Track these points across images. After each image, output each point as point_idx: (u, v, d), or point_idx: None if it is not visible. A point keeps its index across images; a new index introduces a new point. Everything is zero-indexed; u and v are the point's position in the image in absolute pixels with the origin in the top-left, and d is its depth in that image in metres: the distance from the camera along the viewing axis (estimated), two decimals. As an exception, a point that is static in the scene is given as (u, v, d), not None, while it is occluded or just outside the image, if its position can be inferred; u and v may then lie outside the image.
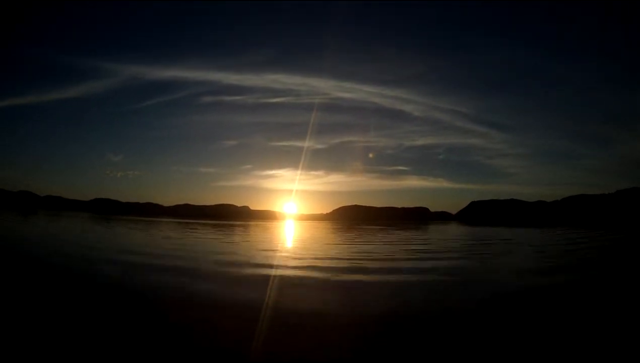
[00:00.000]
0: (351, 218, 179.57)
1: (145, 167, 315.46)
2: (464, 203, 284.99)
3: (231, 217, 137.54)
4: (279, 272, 9.14)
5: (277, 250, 15.91)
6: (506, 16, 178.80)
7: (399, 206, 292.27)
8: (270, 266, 10.15)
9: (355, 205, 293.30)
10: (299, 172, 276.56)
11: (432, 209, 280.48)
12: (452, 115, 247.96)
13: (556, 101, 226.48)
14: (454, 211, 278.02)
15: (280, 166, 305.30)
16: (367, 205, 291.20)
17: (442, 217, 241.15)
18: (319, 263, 11.31)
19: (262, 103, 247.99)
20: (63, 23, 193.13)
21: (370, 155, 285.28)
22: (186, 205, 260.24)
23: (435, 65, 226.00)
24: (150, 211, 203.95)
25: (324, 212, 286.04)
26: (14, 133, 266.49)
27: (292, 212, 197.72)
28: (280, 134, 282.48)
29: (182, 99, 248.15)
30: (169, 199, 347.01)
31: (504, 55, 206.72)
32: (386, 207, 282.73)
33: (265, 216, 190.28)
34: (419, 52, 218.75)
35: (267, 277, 8.17)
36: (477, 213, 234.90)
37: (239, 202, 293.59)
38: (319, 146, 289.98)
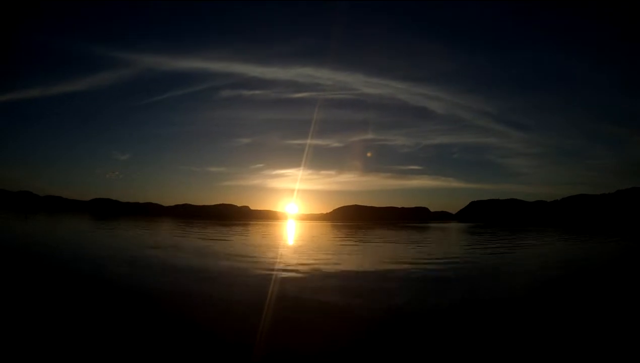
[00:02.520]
0: (350, 218, 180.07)
1: (153, 167, 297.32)
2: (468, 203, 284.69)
3: (229, 217, 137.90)
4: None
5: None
6: (551, 18, 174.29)
7: (400, 206, 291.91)
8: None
9: (355, 205, 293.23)
10: (300, 171, 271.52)
11: (433, 209, 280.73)
12: (475, 113, 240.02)
13: (570, 101, 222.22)
14: (455, 211, 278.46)
15: (293, 165, 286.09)
16: (369, 205, 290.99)
17: (442, 217, 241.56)
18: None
19: (283, 98, 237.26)
20: (72, 8, 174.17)
21: (368, 154, 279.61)
22: (185, 206, 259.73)
23: (470, 62, 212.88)
24: (151, 211, 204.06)
25: (324, 212, 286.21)
26: (16, 130, 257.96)
27: (292, 212, 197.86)
28: (297, 131, 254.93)
29: (199, 93, 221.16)
30: (172, 199, 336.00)
31: (535, 54, 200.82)
32: (386, 207, 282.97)
33: (265, 216, 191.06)
34: (454, 48, 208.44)
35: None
36: (476, 213, 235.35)
37: (239, 202, 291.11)
38: (336, 144, 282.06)
